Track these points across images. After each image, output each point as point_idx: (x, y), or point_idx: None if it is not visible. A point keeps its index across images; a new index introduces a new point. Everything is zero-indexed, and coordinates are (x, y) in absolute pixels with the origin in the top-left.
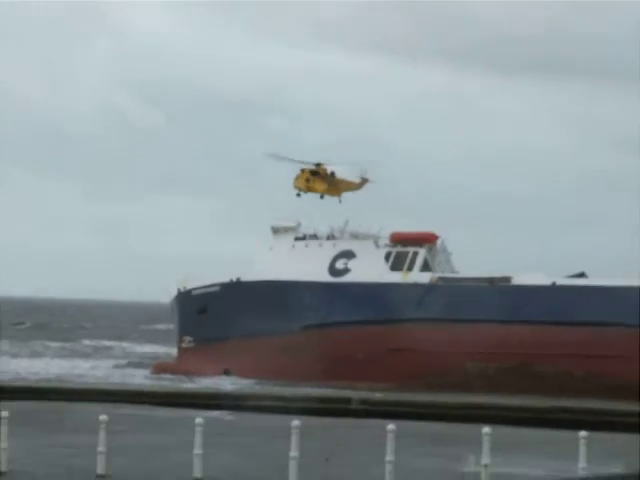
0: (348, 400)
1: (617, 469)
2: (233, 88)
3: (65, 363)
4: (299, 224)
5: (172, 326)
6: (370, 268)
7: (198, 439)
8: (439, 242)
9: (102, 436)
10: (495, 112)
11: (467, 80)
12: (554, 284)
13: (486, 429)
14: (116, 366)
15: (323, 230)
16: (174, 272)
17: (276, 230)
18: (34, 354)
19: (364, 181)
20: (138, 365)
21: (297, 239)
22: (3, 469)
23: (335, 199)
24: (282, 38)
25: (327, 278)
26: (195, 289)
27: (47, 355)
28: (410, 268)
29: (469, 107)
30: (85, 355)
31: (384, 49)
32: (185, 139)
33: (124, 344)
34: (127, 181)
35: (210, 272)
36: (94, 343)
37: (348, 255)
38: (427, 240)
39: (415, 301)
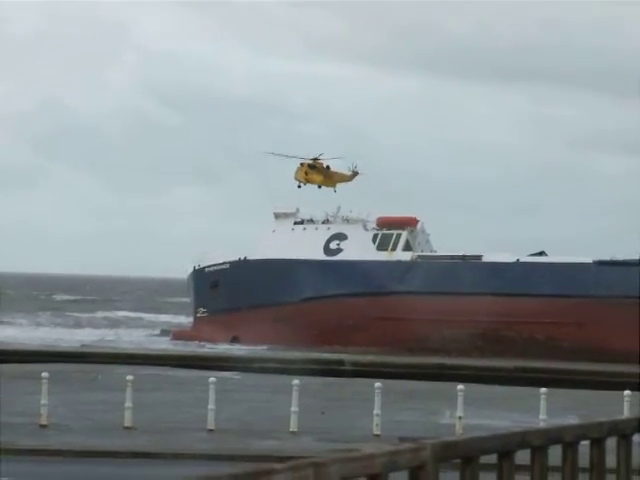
0: (341, 362)
1: (573, 420)
2: (239, 92)
3: (99, 332)
4: (298, 210)
5: (189, 299)
6: (359, 248)
7: (211, 396)
8: (419, 225)
9: (129, 393)
10: (463, 113)
11: (439, 84)
12: (518, 261)
13: (460, 386)
14: (144, 334)
15: (319, 215)
16: (190, 252)
17: (278, 215)
18: (76, 324)
19: (355, 174)
20: (162, 333)
21: (296, 223)
22: (44, 422)
23: (330, 189)
24: (278, 51)
25: (322, 257)
26: (208, 266)
27: (84, 325)
28: (394, 248)
29: (441, 108)
30: (116, 324)
31: (366, 59)
32: (199, 137)
33: (149, 315)
34: (149, 175)
35: (221, 252)
36: (124, 314)
37: (340, 237)
38: (408, 224)
39: (398, 276)
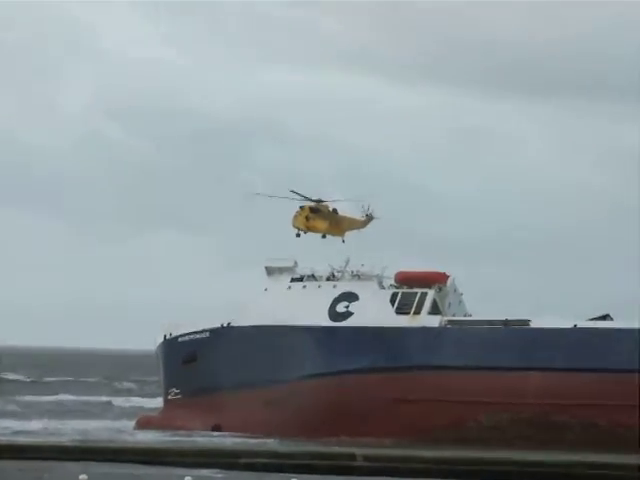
0: (352, 456)
1: None
2: (227, 116)
3: (46, 421)
4: (296, 264)
5: (158, 377)
6: (374, 311)
7: None
8: (449, 282)
9: None
10: (502, 136)
11: (466, 102)
12: (576, 327)
13: None
14: (101, 423)
15: (323, 270)
16: (160, 317)
17: (271, 271)
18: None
19: (369, 218)
20: (124, 420)
21: (294, 280)
22: None
23: (337, 239)
24: (281, 61)
25: (327, 322)
26: (182, 335)
27: (30, 412)
28: (418, 311)
29: (472, 131)
30: (67, 410)
31: (382, 73)
32: (172, 170)
33: (108, 398)
34: (113, 219)
35: (199, 317)
36: (76, 397)
37: (350, 297)
38: (436, 280)
39: (423, 346)
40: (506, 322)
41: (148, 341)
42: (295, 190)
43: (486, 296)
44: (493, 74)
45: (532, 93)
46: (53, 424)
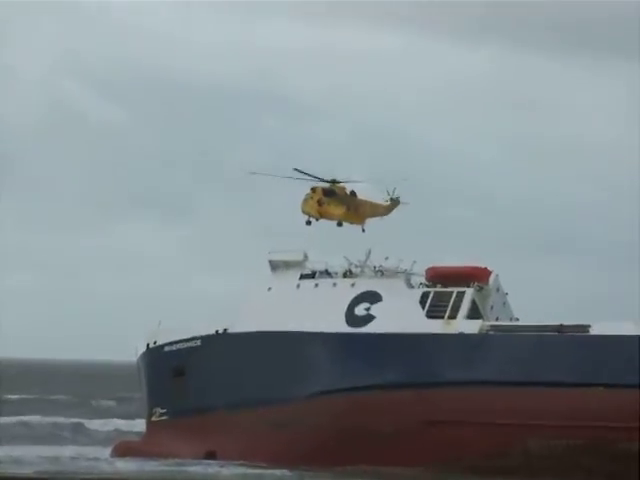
0: None
1: None
2: (217, 81)
3: (12, 448)
4: (306, 257)
5: (140, 394)
6: (400, 314)
7: None
8: (492, 279)
9: None
10: (549, 101)
11: (512, 63)
12: None
13: None
14: (73, 449)
15: (338, 265)
16: (143, 321)
17: (276, 265)
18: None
19: (395, 203)
20: (100, 446)
21: (303, 277)
22: None
23: (357, 227)
24: (283, 12)
25: (343, 328)
26: (169, 344)
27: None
28: (453, 314)
29: (518, 95)
30: (35, 435)
31: (412, 24)
32: (153, 145)
33: (78, 419)
34: (78, 204)
35: (189, 321)
36: (43, 418)
37: (371, 297)
38: (476, 277)
39: (460, 357)
40: (561, 328)
41: (128, 350)
42: (300, 169)
43: (535, 296)
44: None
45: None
46: (16, 451)
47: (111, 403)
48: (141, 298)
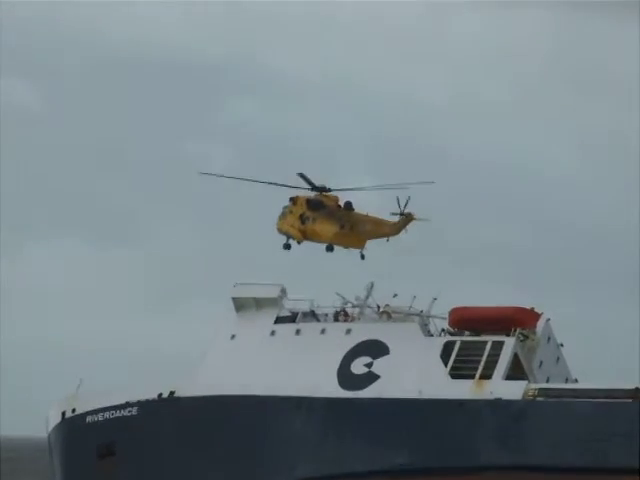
0: None
1: None
2: (176, 48)
3: None
4: (284, 293)
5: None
6: (414, 373)
7: None
8: (541, 325)
9: None
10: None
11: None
12: None
13: None
14: None
15: (328, 303)
16: (56, 381)
17: (242, 304)
18: None
19: (406, 219)
20: None
21: (280, 320)
22: None
23: (354, 251)
24: None
25: (336, 391)
26: (92, 412)
27: None
28: (488, 373)
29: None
30: None
31: None
32: (80, 140)
33: None
34: None
35: (120, 380)
36: None
37: (374, 349)
38: (519, 322)
39: (497, 433)
40: (637, 393)
41: (35, 422)
42: (304, 174)
43: (602, 350)
44: None
45: None
46: None
47: None
48: (57, 347)
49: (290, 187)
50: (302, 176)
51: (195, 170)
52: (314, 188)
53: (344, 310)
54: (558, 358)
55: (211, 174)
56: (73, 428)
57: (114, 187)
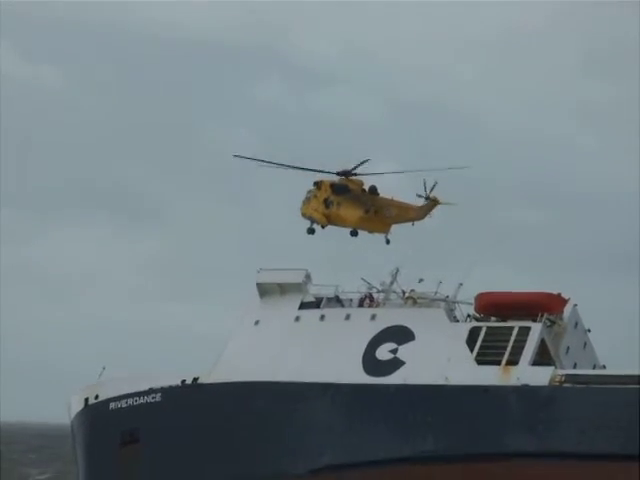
0: None
1: None
2: (200, 30)
3: None
4: (308, 278)
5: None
6: (440, 359)
7: None
8: (568, 311)
9: None
10: None
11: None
12: None
13: None
14: None
15: (352, 288)
16: (79, 367)
17: (266, 290)
18: None
19: (432, 203)
20: None
21: (305, 306)
22: None
23: (379, 236)
24: None
25: (360, 377)
26: (115, 399)
27: None
28: (514, 359)
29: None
30: None
31: None
32: (100, 120)
33: None
34: None
35: (144, 366)
36: None
37: (400, 335)
38: (546, 307)
39: (524, 420)
40: None
41: (58, 408)
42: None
43: (631, 336)
44: None
45: None
46: None
47: None
48: (78, 333)
49: (316, 171)
50: (251, 158)
51: (224, 153)
52: (338, 173)
53: (370, 295)
54: (585, 344)
55: (243, 157)
56: (96, 415)
57: (137, 172)
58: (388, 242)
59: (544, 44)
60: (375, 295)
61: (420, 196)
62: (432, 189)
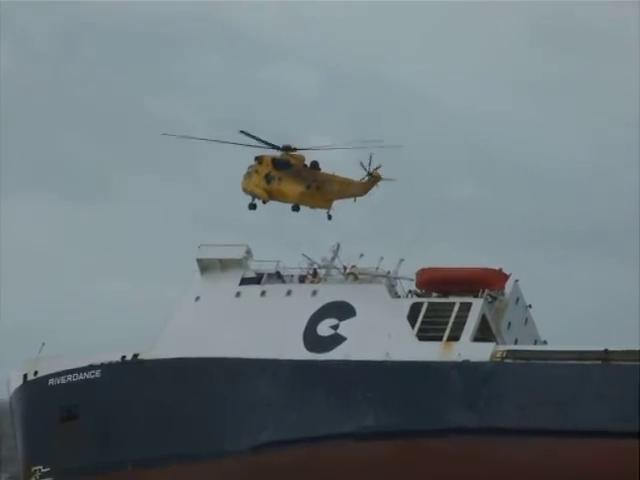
0: None
1: None
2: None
3: None
4: (249, 254)
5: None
6: (381, 335)
7: None
8: (510, 286)
9: None
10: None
11: None
12: None
13: None
14: None
15: (294, 264)
16: (17, 343)
17: (207, 265)
18: None
19: (373, 179)
20: None
21: (245, 281)
22: None
23: (321, 212)
24: None
25: (301, 353)
26: (55, 375)
27: None
28: (455, 335)
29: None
30: None
31: None
32: (41, 93)
33: None
34: None
35: (83, 343)
36: None
37: (340, 311)
38: (487, 283)
39: (465, 395)
40: (607, 355)
41: None
42: (247, 131)
43: (571, 311)
44: None
45: None
46: None
47: None
48: (17, 309)
49: (255, 147)
50: (245, 133)
51: (160, 128)
52: (280, 148)
53: (314, 270)
54: (527, 320)
55: (172, 135)
56: (35, 391)
57: (77, 145)
58: (330, 217)
59: (488, 15)
60: (317, 270)
61: (363, 174)
62: (370, 163)
